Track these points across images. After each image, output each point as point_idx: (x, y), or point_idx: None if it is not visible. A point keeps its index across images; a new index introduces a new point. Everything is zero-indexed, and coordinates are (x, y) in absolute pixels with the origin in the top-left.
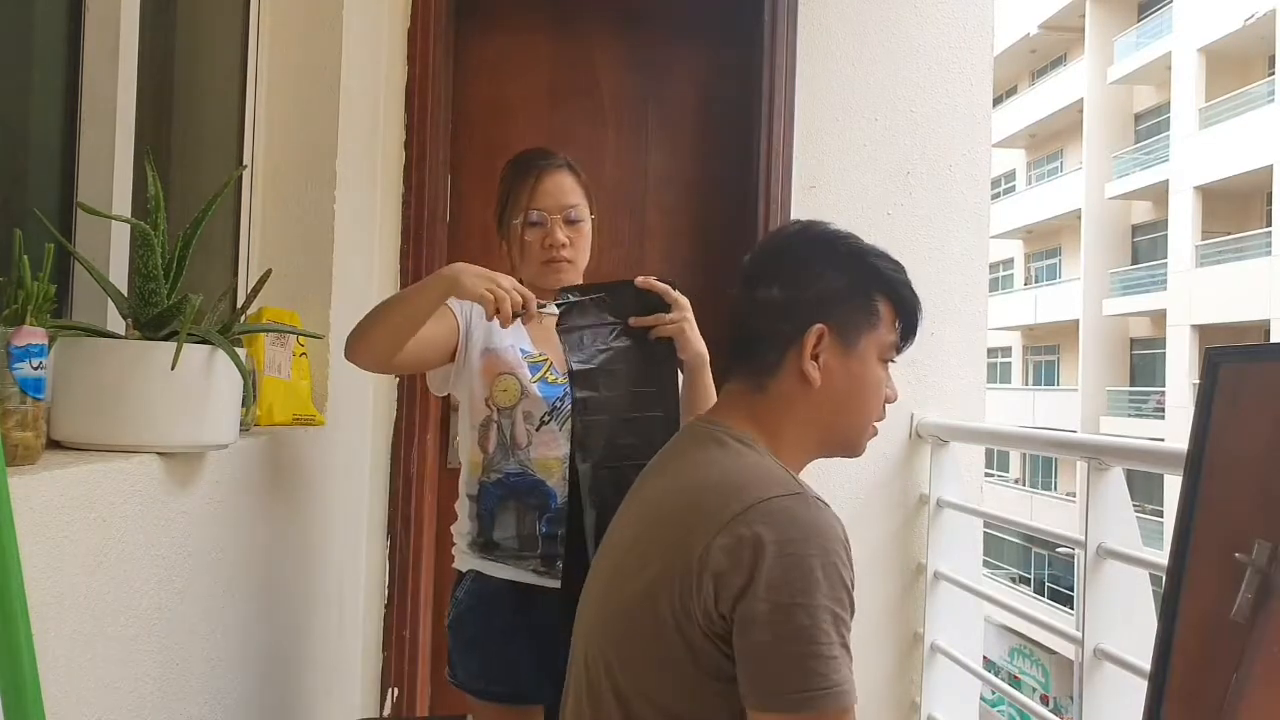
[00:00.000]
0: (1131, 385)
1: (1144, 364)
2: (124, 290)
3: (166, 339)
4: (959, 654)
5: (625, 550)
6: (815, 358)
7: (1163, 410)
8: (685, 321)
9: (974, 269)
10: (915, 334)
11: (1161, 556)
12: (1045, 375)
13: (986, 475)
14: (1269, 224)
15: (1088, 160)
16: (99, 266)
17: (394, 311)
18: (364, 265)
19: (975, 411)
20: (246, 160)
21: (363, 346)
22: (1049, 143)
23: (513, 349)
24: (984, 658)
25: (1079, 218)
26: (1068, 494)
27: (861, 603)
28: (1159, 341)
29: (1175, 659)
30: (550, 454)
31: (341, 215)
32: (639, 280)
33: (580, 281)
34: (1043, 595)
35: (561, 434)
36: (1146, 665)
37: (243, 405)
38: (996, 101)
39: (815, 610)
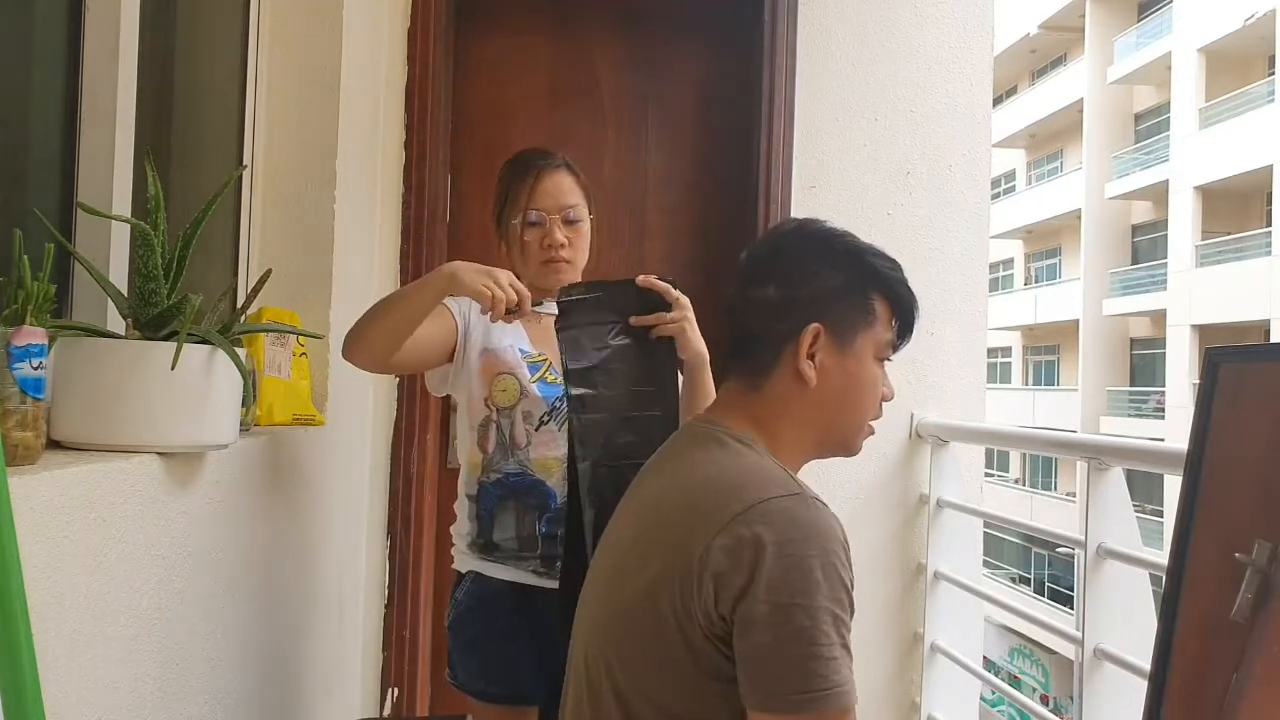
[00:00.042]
0: (1131, 385)
1: (1144, 364)
2: (124, 290)
3: (166, 339)
4: (959, 654)
5: (625, 550)
6: (811, 357)
7: (1163, 410)
8: (686, 321)
9: (974, 269)
10: (912, 332)
11: (1161, 556)
12: (1045, 375)
13: (986, 475)
14: (1269, 224)
15: (1088, 160)
16: (99, 266)
17: (391, 310)
18: (364, 265)
19: (975, 411)
20: (246, 160)
21: (360, 346)
22: (1049, 143)
23: (512, 349)
24: (984, 658)
25: (1079, 218)
26: (1068, 494)
27: (861, 603)
28: (1159, 341)
29: (1175, 659)
30: (549, 454)
31: (341, 215)
32: (640, 279)
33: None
34: (1043, 595)
35: (561, 434)
36: (1146, 665)
37: (243, 405)
38: (996, 101)
39: (815, 611)
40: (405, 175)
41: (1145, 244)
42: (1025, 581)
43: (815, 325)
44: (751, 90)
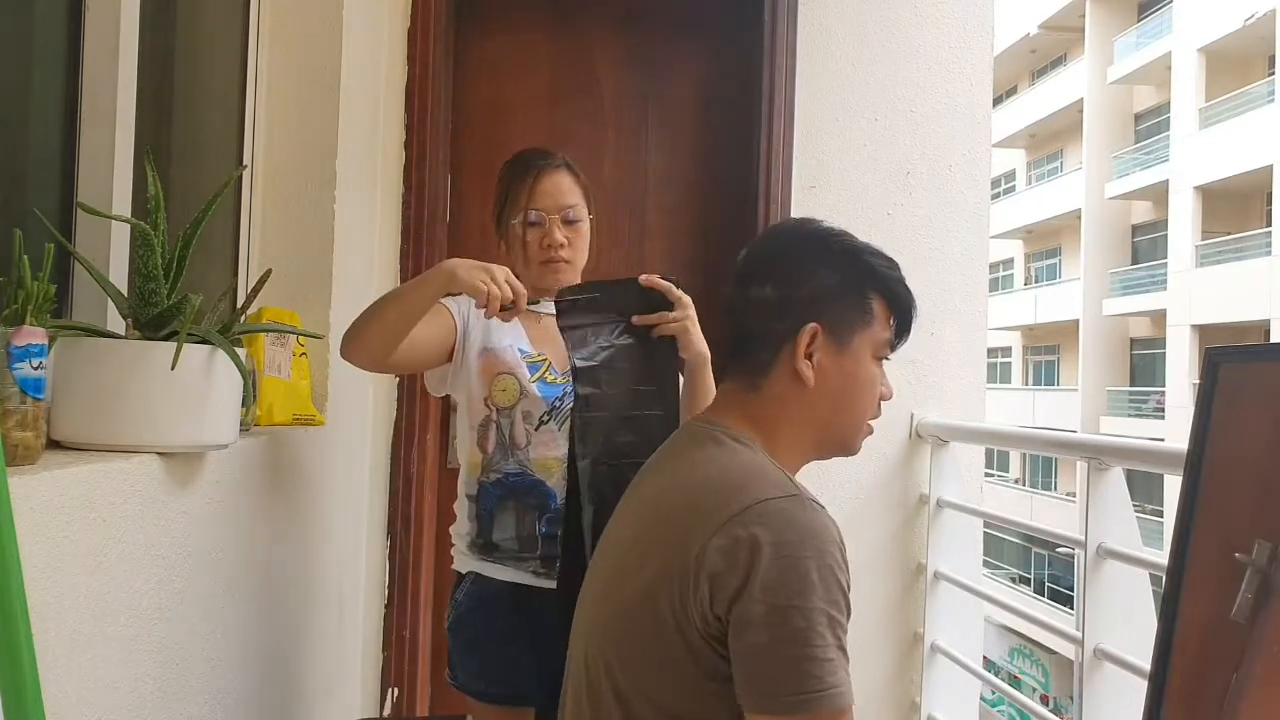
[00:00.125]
0: (1131, 385)
1: (1144, 364)
2: (124, 290)
3: (166, 339)
4: (959, 654)
5: (625, 550)
6: (809, 356)
7: (1163, 410)
8: (688, 320)
9: (974, 269)
10: (910, 331)
11: (1161, 556)
12: (1045, 375)
13: (986, 475)
14: (1269, 224)
15: (1088, 160)
16: (99, 266)
17: (389, 308)
18: (364, 265)
19: (975, 411)
20: (246, 160)
21: (358, 345)
22: (1049, 143)
23: (511, 349)
24: (984, 658)
25: (1079, 218)
26: (1068, 494)
27: (861, 603)
28: (1159, 341)
29: (1175, 659)
30: (549, 454)
31: (341, 215)
32: (643, 278)
33: (578, 282)
34: (1043, 595)
35: (561, 434)
36: (1146, 665)
37: (243, 405)
38: (996, 101)
39: (811, 613)
40: (405, 175)
41: (1145, 244)
42: (1025, 581)
43: (813, 325)
44: (751, 90)
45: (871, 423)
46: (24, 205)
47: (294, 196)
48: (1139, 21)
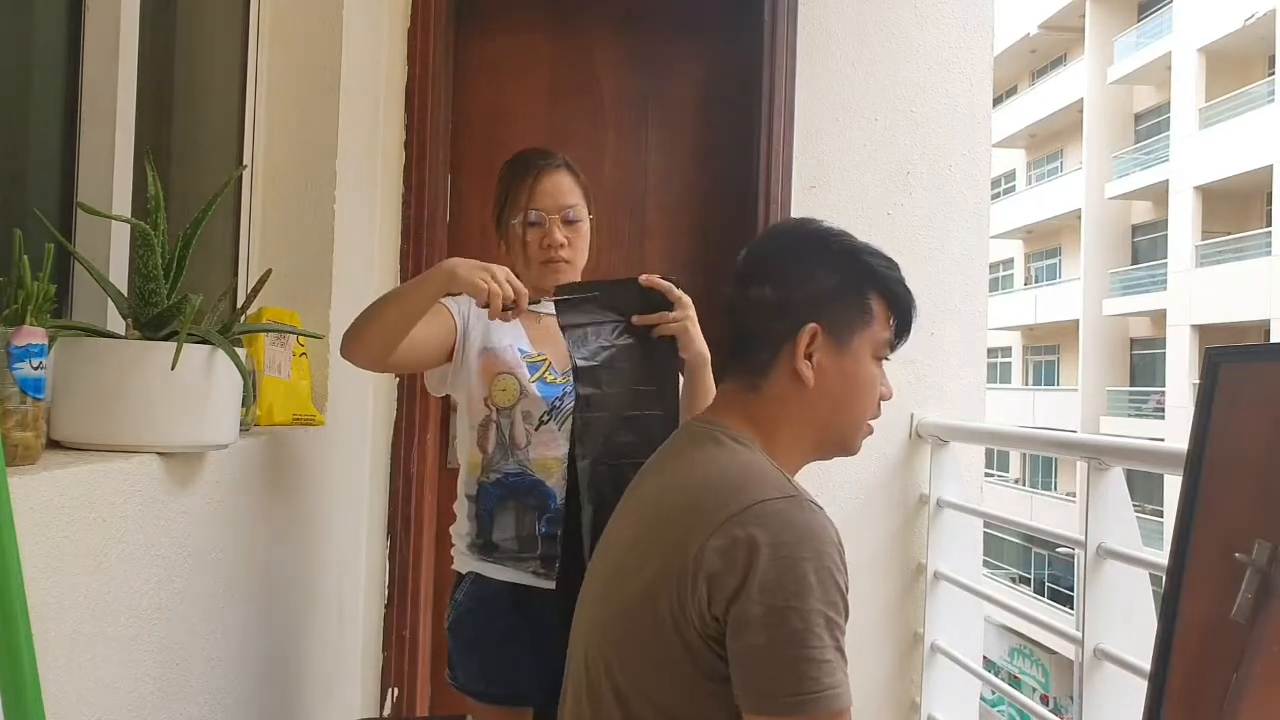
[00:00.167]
0: (1131, 385)
1: (1144, 364)
2: (124, 290)
3: (166, 339)
4: (959, 654)
5: (625, 550)
6: (809, 357)
7: (1163, 410)
8: (688, 320)
9: (974, 269)
10: (910, 331)
11: (1161, 556)
12: (1045, 375)
13: (986, 475)
14: (1269, 224)
15: (1088, 160)
16: (99, 266)
17: (390, 307)
18: (364, 265)
19: (975, 411)
20: (246, 160)
21: (358, 344)
22: (1049, 143)
23: (511, 349)
24: (984, 658)
25: (1079, 218)
26: (1068, 494)
27: (861, 603)
28: (1159, 341)
29: (1175, 659)
30: (549, 454)
31: (341, 215)
32: (643, 278)
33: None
34: (1043, 595)
35: (560, 434)
36: (1146, 665)
37: (243, 405)
38: (996, 101)
39: (808, 614)
40: (405, 175)
41: (1145, 244)
42: (1025, 581)
43: (812, 325)
44: (751, 90)
45: (871, 423)
46: (24, 205)
47: (294, 196)
48: (1139, 21)
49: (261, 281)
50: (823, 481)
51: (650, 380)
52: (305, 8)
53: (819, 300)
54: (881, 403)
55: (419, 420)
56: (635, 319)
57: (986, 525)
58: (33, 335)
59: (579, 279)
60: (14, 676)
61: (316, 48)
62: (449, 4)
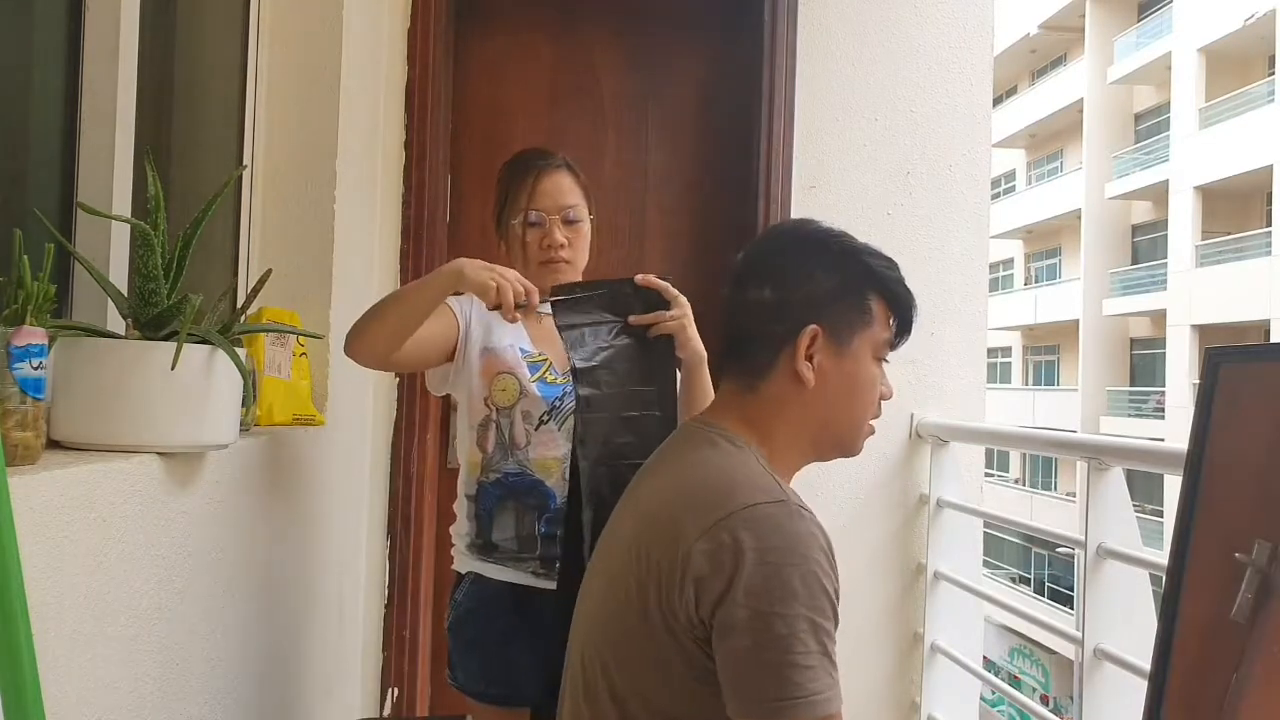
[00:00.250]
0: (1131, 385)
1: (1144, 364)
2: (124, 290)
3: (166, 339)
4: (959, 654)
5: (621, 551)
6: (809, 359)
7: (1163, 410)
8: (685, 319)
9: (974, 269)
10: (910, 330)
11: (1161, 556)
12: (1045, 375)
13: (986, 475)
14: (1269, 224)
15: (1088, 160)
16: (99, 266)
17: (396, 306)
18: (364, 265)
19: (975, 411)
20: (246, 160)
21: (362, 342)
22: (1049, 143)
23: (512, 348)
24: (984, 658)
25: (1079, 218)
26: (1068, 494)
27: (861, 603)
28: (1159, 341)
29: (1175, 659)
30: (549, 454)
31: (341, 215)
32: (639, 278)
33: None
34: (1043, 595)
35: (560, 434)
36: (1146, 665)
37: (243, 405)
38: (996, 101)
39: (793, 619)
40: (405, 175)
41: (1145, 244)
42: (1025, 581)
43: (813, 327)
44: (751, 90)
45: (873, 423)
46: (24, 205)
47: (294, 196)
48: (1139, 21)
49: (261, 281)
50: (823, 481)
51: (648, 380)
52: (305, 8)
53: (818, 301)
54: (882, 402)
55: (419, 420)
56: (632, 319)
57: (986, 525)
58: (33, 335)
59: (580, 279)
60: (14, 676)
61: (316, 48)
62: (449, 4)
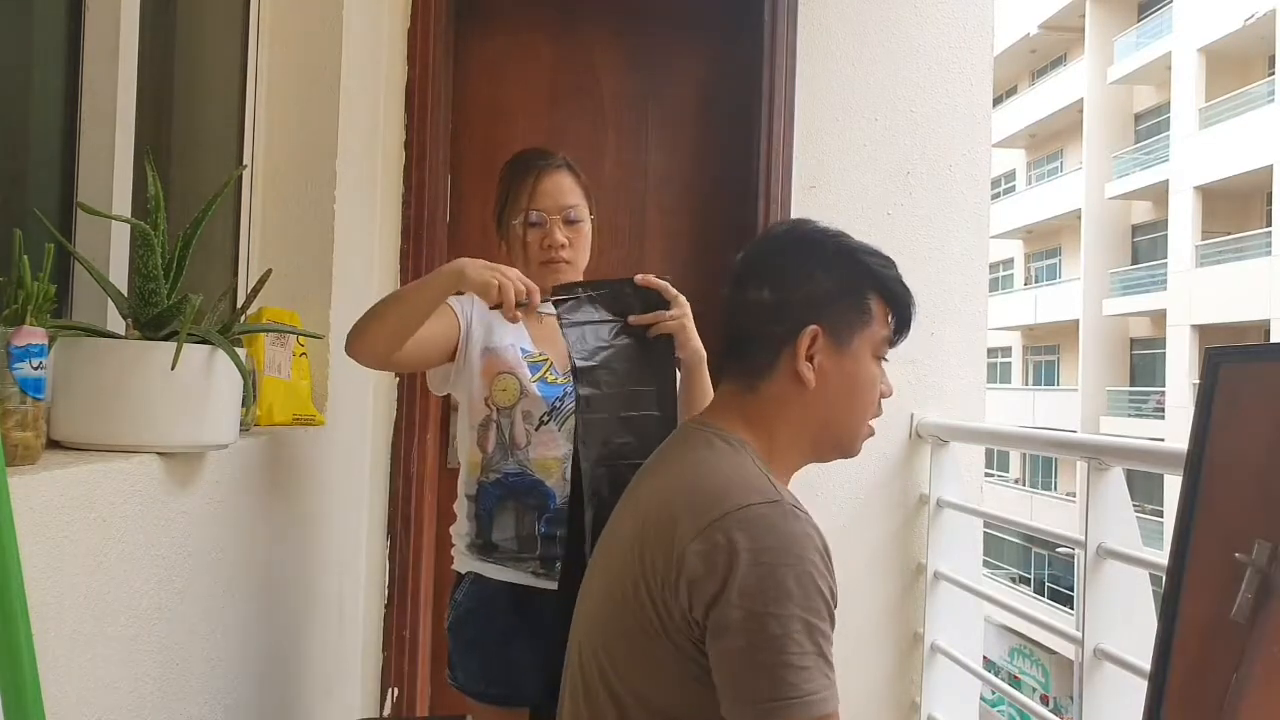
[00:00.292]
0: (1131, 385)
1: (1144, 364)
2: (124, 290)
3: (166, 339)
4: (959, 654)
5: (620, 551)
6: (810, 359)
7: (1163, 410)
8: (684, 319)
9: (974, 269)
10: (909, 328)
11: (1161, 556)
12: (1045, 375)
13: (986, 475)
14: (1269, 224)
15: (1088, 160)
16: (99, 266)
17: (397, 306)
18: (364, 265)
19: (975, 411)
20: (246, 160)
21: (364, 342)
22: (1049, 143)
23: (512, 348)
24: (984, 658)
25: (1079, 218)
26: (1068, 494)
27: (861, 603)
28: (1159, 341)
29: (1175, 659)
30: (549, 454)
31: (341, 215)
32: (639, 278)
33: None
34: (1043, 595)
35: (561, 434)
36: (1146, 665)
37: (243, 405)
38: (996, 101)
39: (787, 620)
40: (405, 175)
41: (1145, 244)
42: (1025, 581)
43: (813, 327)
44: (751, 90)
45: (872, 423)
46: (24, 205)
47: (294, 196)
48: (1139, 21)
49: (261, 281)
50: (823, 482)
51: (648, 380)
52: (305, 8)
53: (818, 301)
54: (882, 401)
55: (419, 420)
56: (631, 319)
57: (986, 525)
58: (33, 335)
59: (580, 279)
60: (14, 676)
61: (316, 48)
62: (449, 4)
